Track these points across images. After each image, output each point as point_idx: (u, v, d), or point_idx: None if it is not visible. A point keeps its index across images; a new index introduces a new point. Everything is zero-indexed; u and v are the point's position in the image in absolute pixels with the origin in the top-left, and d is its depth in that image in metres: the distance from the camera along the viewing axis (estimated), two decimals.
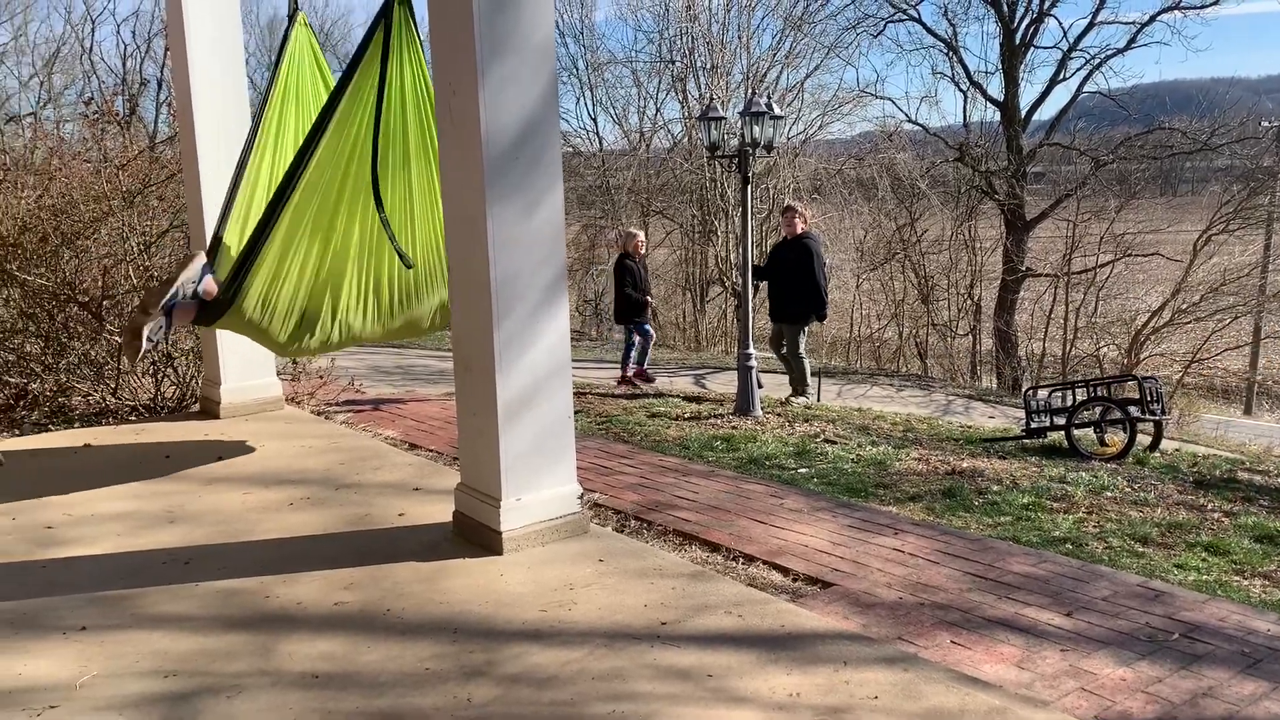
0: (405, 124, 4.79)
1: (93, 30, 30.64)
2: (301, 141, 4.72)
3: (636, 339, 10.76)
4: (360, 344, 5.53)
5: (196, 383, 6.44)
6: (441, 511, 4.16)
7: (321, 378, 7.20)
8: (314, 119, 4.71)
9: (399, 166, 4.85)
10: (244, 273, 4.58)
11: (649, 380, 10.69)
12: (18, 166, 7.21)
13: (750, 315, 9.54)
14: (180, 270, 4.64)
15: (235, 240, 4.81)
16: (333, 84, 4.97)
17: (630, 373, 10.67)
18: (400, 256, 4.85)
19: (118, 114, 9.62)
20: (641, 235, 11.57)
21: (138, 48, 30.47)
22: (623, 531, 4.38)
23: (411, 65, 4.72)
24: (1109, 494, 5.94)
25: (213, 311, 4.67)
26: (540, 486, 3.85)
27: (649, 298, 11.01)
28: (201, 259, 4.72)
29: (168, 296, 4.53)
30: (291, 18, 5.21)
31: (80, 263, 6.46)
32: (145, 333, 4.50)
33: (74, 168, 6.82)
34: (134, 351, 4.56)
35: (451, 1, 3.57)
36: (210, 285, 4.68)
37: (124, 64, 30.37)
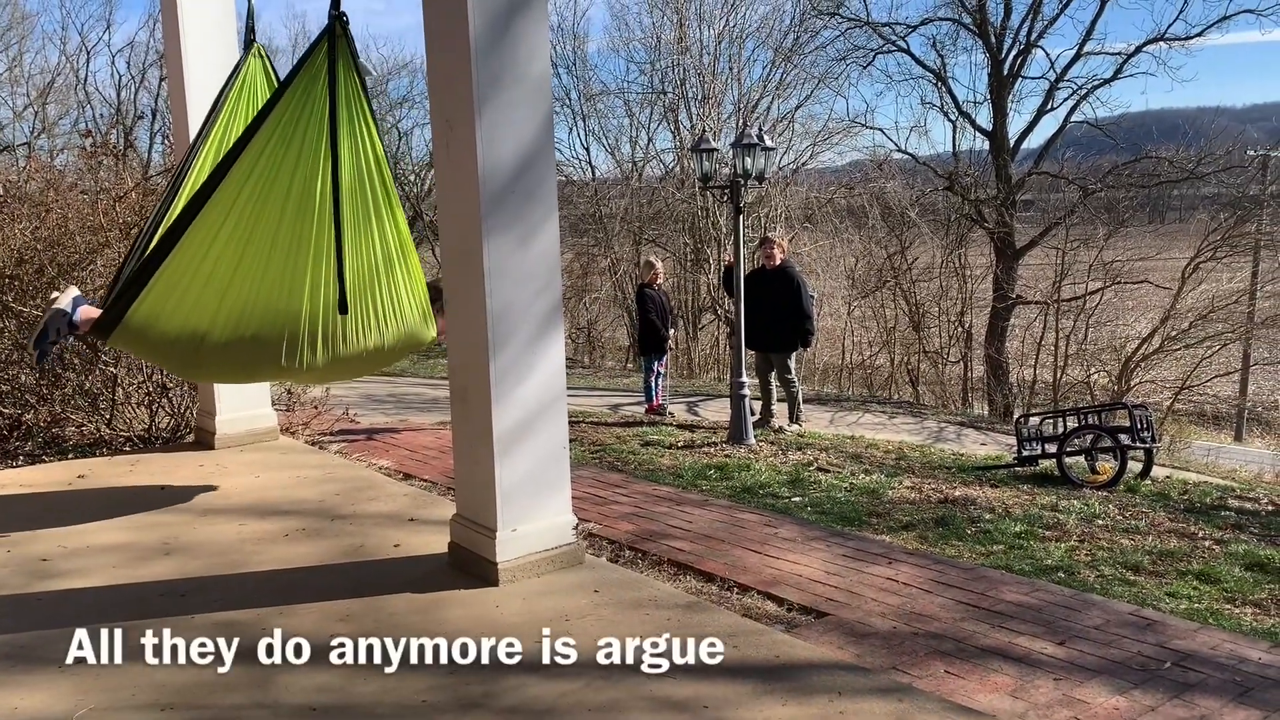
0: (362, 169, 4.46)
1: (88, 61, 30.71)
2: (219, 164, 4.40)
3: (659, 368, 10.98)
4: (283, 379, 5.19)
5: (191, 413, 6.44)
6: (437, 542, 4.17)
7: (316, 407, 7.21)
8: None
9: (359, 212, 4.50)
10: (133, 294, 4.32)
11: (659, 413, 10.80)
12: (13, 198, 7.24)
13: (743, 343, 9.58)
14: (48, 306, 4.54)
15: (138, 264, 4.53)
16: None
17: (656, 402, 10.85)
18: (341, 300, 4.43)
19: (115, 146, 9.67)
20: (660, 265, 11.73)
21: (132, 78, 30.63)
22: (617, 562, 4.40)
23: (355, 97, 4.39)
24: (1100, 522, 5.97)
25: (103, 328, 4.44)
26: (536, 517, 3.87)
27: (669, 330, 11.12)
28: (71, 292, 4.58)
29: (36, 336, 4.46)
30: (247, 47, 5.15)
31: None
32: (47, 317, 4.42)
33: (70, 199, 6.85)
34: (36, 342, 4.47)
35: (449, 35, 3.62)
36: (87, 314, 4.51)
37: (119, 94, 30.52)
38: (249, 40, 5.14)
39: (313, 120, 4.30)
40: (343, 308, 4.44)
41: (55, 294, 4.67)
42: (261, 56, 5.12)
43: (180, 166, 4.97)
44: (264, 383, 5.58)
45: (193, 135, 5.56)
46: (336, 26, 4.24)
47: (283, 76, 4.67)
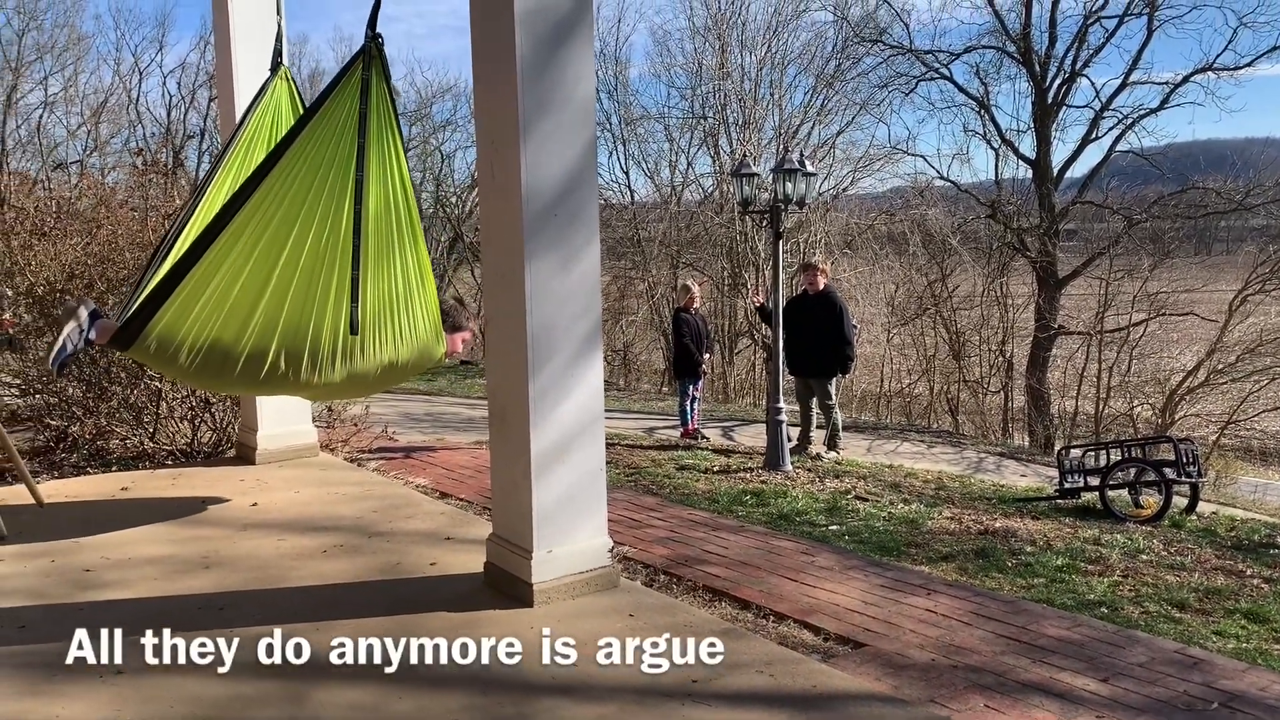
0: (387, 185, 4.46)
1: (140, 81, 31.39)
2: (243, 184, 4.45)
3: (694, 392, 10.94)
4: (298, 394, 5.25)
5: (233, 429, 6.52)
6: (473, 561, 4.18)
7: (356, 425, 7.27)
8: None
9: (384, 231, 4.48)
10: (155, 307, 4.34)
11: (695, 437, 10.75)
12: (65, 214, 7.39)
13: (780, 369, 9.55)
14: (65, 320, 4.59)
15: (159, 278, 4.56)
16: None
17: (692, 426, 10.80)
18: (352, 320, 4.43)
19: (164, 164, 9.86)
20: (697, 289, 11.65)
21: (182, 99, 31.26)
22: (652, 586, 4.38)
23: (386, 119, 4.40)
24: (1145, 557, 5.87)
25: (122, 340, 4.45)
26: (572, 539, 3.86)
27: (704, 355, 11.07)
28: (87, 307, 4.64)
29: (54, 351, 4.51)
30: (274, 69, 5.22)
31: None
32: (64, 334, 4.47)
33: (120, 216, 6.99)
34: (55, 359, 4.52)
35: (496, 58, 3.66)
36: (105, 327, 4.54)
37: (169, 114, 31.16)
38: (276, 63, 5.21)
39: (344, 140, 4.33)
40: (353, 328, 4.44)
41: (71, 306, 4.72)
42: (288, 80, 5.20)
43: (201, 184, 5.03)
44: (282, 396, 5.61)
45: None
46: (372, 48, 4.29)
47: (310, 101, 4.76)
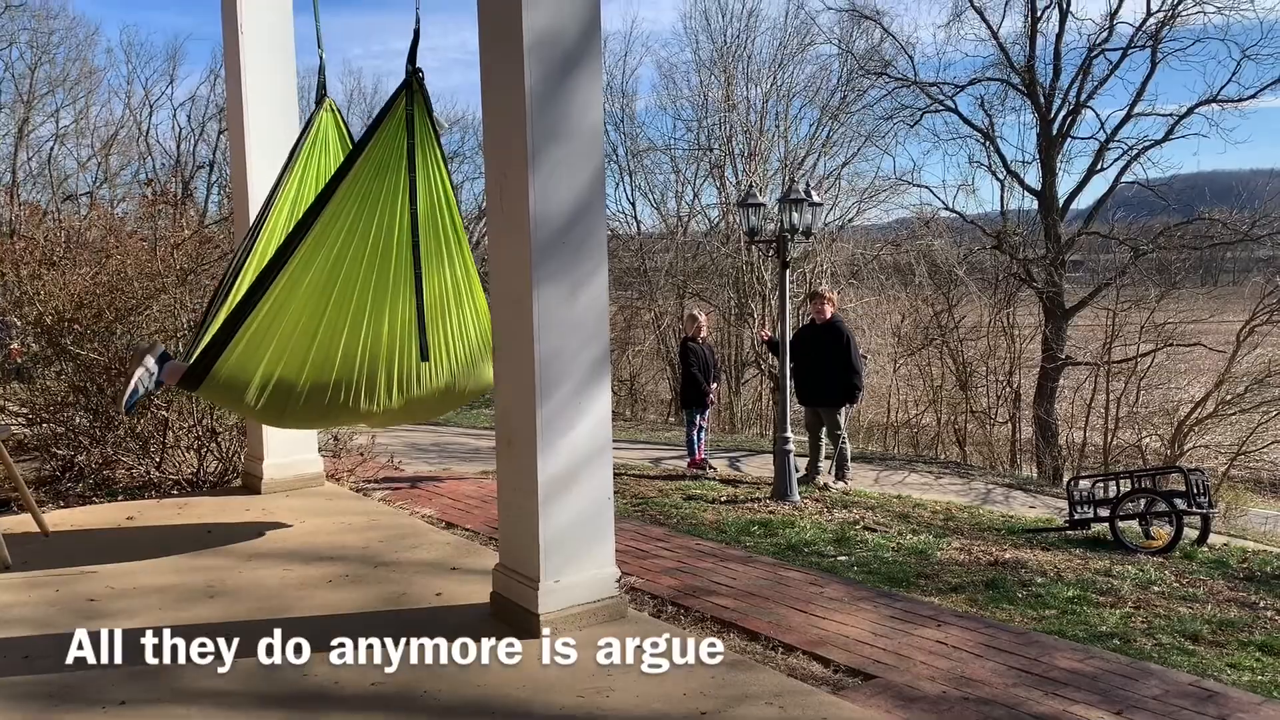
0: (435, 212, 4.65)
1: (150, 114, 31.71)
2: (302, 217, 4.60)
3: (701, 422, 10.83)
4: (358, 423, 5.39)
5: (239, 457, 6.51)
6: (479, 592, 4.14)
7: (362, 454, 7.25)
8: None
9: (432, 255, 4.68)
10: (221, 347, 4.47)
11: (702, 467, 10.62)
12: (75, 244, 7.43)
13: (788, 399, 9.52)
14: (134, 365, 4.67)
15: (224, 316, 4.71)
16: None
17: (699, 456, 10.70)
18: (423, 346, 4.60)
19: (174, 194, 9.92)
20: (703, 318, 11.61)
21: (192, 131, 31.57)
22: (660, 616, 4.34)
23: (430, 145, 4.60)
24: (1156, 589, 5.81)
25: (192, 381, 4.59)
26: (579, 569, 3.83)
27: (711, 384, 10.94)
28: (156, 350, 4.73)
29: (127, 395, 4.58)
30: (319, 102, 5.30)
31: (132, 338, 6.60)
32: (135, 378, 4.55)
33: (129, 245, 7.02)
34: (127, 402, 4.59)
35: (505, 88, 3.68)
36: (174, 369, 4.67)
37: (178, 146, 31.45)
38: (320, 96, 5.31)
39: (393, 171, 4.51)
40: (424, 353, 4.60)
41: (141, 349, 4.83)
42: (333, 111, 5.32)
43: (256, 219, 5.10)
44: (334, 428, 5.66)
45: (252, 185, 5.72)
46: (414, 81, 4.43)
47: (353, 130, 4.90)
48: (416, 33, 4.52)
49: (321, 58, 5.41)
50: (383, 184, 4.49)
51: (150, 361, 4.66)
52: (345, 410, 4.77)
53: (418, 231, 4.50)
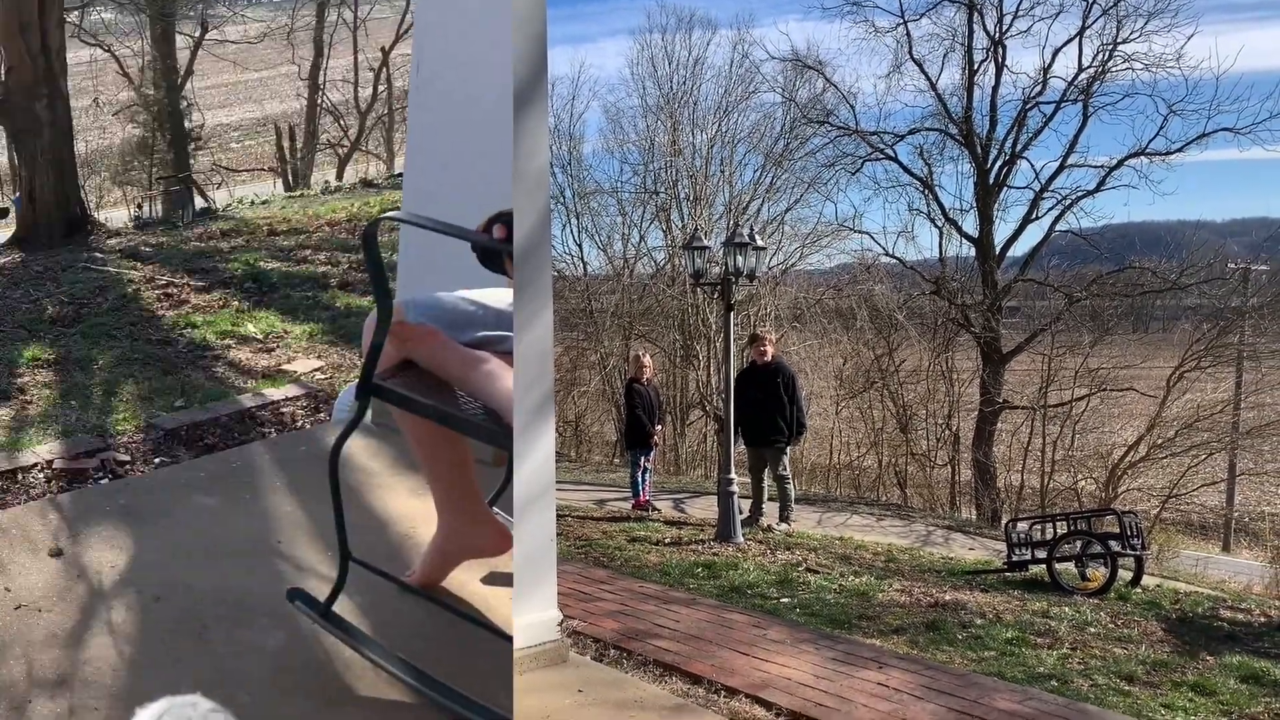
0: None
1: None
2: None
3: (645, 463, 10.86)
4: None
5: None
6: None
7: None
8: None
9: None
10: None
11: (646, 508, 10.61)
12: None
13: (732, 440, 9.56)
14: None
15: None
16: None
17: (643, 498, 10.69)
18: None
19: None
20: (649, 360, 11.65)
21: None
22: (602, 660, 4.30)
23: None
24: (1092, 630, 5.90)
25: None
26: (521, 613, 3.78)
27: (656, 426, 10.98)
28: None
29: None
30: None
31: None
32: None
33: None
34: None
35: None
36: None
37: None
38: None
39: None
40: None
41: None
42: None
43: None
44: None
45: None
46: None
47: None
48: None
49: None
50: None
51: None
52: None
53: None
